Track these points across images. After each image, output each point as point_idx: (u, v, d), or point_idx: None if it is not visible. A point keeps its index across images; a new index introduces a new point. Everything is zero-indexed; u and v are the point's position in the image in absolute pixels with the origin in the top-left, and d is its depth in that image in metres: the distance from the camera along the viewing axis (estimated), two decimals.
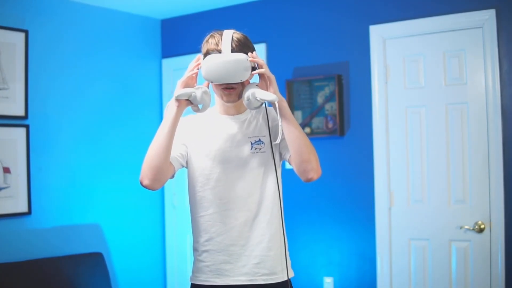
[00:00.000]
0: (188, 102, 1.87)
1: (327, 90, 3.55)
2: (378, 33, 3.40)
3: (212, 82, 1.84)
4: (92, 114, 3.81)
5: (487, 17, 3.05)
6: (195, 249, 2.01)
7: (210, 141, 1.96)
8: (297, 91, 3.65)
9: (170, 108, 1.87)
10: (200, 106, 1.89)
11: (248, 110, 2.00)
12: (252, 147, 1.95)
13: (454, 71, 3.19)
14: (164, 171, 1.86)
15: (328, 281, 3.56)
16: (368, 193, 3.44)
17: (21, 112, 3.37)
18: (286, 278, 1.96)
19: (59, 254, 3.50)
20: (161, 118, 4.25)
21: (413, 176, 3.31)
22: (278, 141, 1.82)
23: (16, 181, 3.33)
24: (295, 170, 1.89)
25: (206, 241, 1.96)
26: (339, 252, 3.55)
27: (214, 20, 4.07)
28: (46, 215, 3.50)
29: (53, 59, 3.59)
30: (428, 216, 3.25)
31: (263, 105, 1.91)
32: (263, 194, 1.94)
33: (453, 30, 3.17)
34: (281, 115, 1.83)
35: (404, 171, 3.34)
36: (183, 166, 1.99)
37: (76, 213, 3.68)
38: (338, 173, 3.54)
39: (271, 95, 1.82)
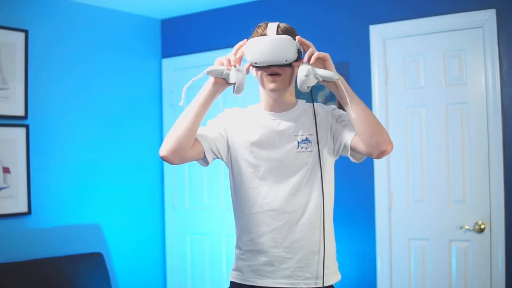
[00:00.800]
0: (224, 81, 1.82)
1: (327, 90, 3.55)
2: (378, 33, 3.40)
3: (256, 64, 1.79)
4: (92, 114, 3.81)
5: (487, 17, 3.05)
6: (238, 247, 1.95)
7: (255, 139, 1.90)
8: (297, 91, 3.63)
9: (205, 84, 1.84)
10: (235, 83, 1.82)
11: (295, 107, 1.94)
12: (298, 145, 1.88)
13: (454, 71, 3.18)
14: (185, 145, 1.80)
15: None
16: (368, 193, 3.44)
17: (21, 112, 3.37)
18: (331, 283, 1.91)
19: (59, 254, 3.50)
20: (161, 118, 4.25)
21: (413, 176, 3.31)
22: (354, 115, 1.76)
23: (16, 181, 3.33)
24: (364, 148, 1.79)
25: (249, 240, 1.90)
26: (339, 252, 3.54)
27: (214, 20, 4.07)
28: (46, 215, 3.50)
29: (53, 59, 3.59)
30: (428, 216, 3.25)
31: (311, 102, 1.87)
32: (309, 195, 1.87)
33: (453, 30, 3.17)
34: (346, 92, 1.77)
35: (404, 171, 3.33)
36: (216, 156, 1.91)
37: (76, 213, 3.68)
38: (338, 173, 3.53)
39: (333, 73, 1.78)
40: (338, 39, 3.56)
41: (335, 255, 1.98)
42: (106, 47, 3.93)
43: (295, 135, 1.89)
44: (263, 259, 1.87)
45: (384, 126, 3.33)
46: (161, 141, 4.20)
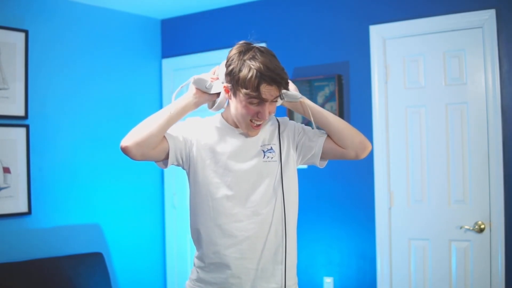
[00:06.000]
0: (205, 95, 1.85)
1: (327, 90, 3.55)
2: (378, 33, 3.40)
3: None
4: (92, 114, 3.81)
5: (487, 17, 3.05)
6: (199, 259, 1.90)
7: (224, 150, 1.86)
8: None
9: (186, 93, 1.85)
10: (216, 101, 1.85)
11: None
12: (264, 155, 1.87)
13: (454, 71, 3.19)
14: (152, 143, 1.80)
15: (328, 281, 3.56)
16: (368, 193, 3.44)
17: (21, 112, 3.37)
18: None
19: (59, 254, 3.50)
20: None
21: (413, 176, 3.31)
22: (333, 124, 1.87)
23: (16, 181, 3.33)
24: (350, 152, 1.89)
25: (214, 253, 1.85)
26: (339, 252, 3.55)
27: (214, 20, 4.07)
28: (46, 215, 3.50)
29: (53, 59, 3.59)
30: (428, 216, 3.25)
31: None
32: (275, 205, 1.85)
33: (453, 30, 3.17)
34: (311, 108, 1.88)
35: (404, 171, 3.33)
36: (177, 162, 1.88)
37: (76, 213, 3.68)
38: (338, 173, 3.54)
39: (296, 93, 1.88)
40: (338, 39, 3.56)
41: (295, 267, 1.96)
42: (106, 47, 3.93)
43: (261, 145, 1.88)
44: (228, 272, 1.84)
45: (384, 126, 3.36)
46: None
